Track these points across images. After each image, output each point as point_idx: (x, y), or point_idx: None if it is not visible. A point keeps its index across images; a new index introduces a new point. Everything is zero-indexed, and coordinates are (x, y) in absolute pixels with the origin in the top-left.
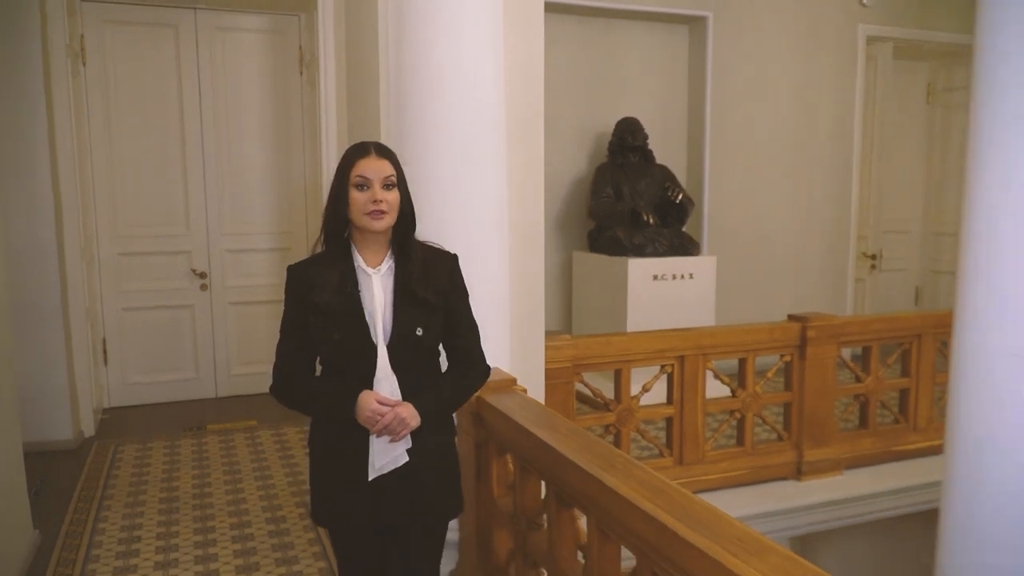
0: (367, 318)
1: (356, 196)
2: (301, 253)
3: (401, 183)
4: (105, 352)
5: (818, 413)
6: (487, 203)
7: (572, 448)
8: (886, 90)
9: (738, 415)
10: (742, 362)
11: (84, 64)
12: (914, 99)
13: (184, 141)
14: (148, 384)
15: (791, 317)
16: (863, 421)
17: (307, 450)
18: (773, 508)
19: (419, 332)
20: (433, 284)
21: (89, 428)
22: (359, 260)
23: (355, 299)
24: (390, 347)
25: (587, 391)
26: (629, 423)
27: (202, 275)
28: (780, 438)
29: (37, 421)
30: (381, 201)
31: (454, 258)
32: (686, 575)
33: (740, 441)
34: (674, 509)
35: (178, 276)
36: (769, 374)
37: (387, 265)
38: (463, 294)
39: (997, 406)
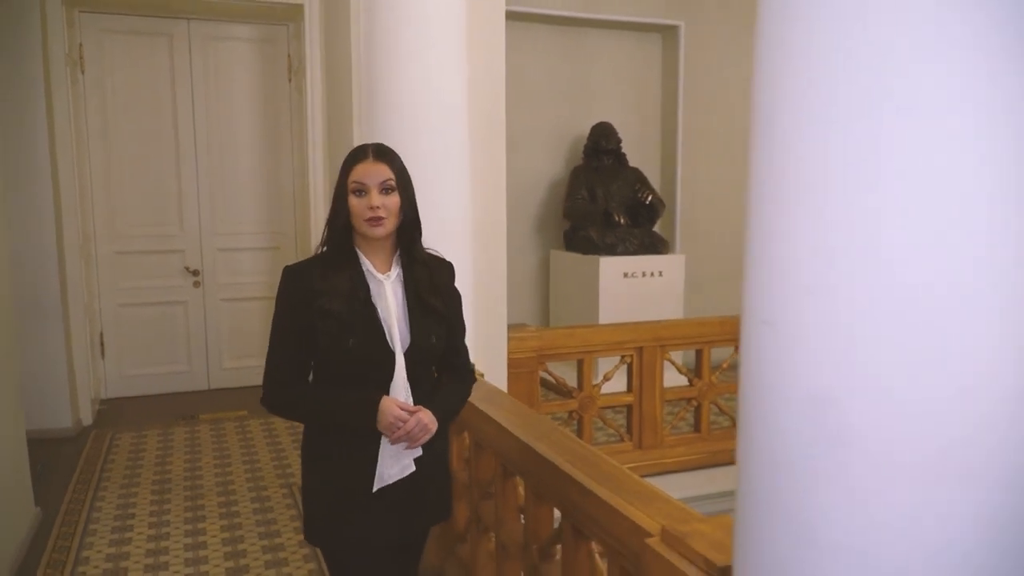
0: (383, 326)
1: (354, 202)
2: (290, 251)
3: (402, 186)
4: (103, 346)
5: None
6: (452, 203)
7: (515, 424)
8: None
9: (695, 403)
10: (699, 353)
11: (83, 72)
12: None
13: (178, 145)
14: (143, 376)
15: None
16: None
17: (299, 457)
18: (724, 489)
19: (434, 340)
20: (441, 292)
21: (87, 417)
22: (368, 265)
23: (368, 306)
24: (407, 355)
25: (552, 379)
26: (590, 410)
27: (195, 273)
28: (735, 424)
29: (38, 410)
30: (378, 207)
31: (452, 266)
32: (594, 522)
33: (697, 427)
34: (591, 471)
35: (172, 274)
36: (724, 365)
37: (396, 271)
38: (459, 302)
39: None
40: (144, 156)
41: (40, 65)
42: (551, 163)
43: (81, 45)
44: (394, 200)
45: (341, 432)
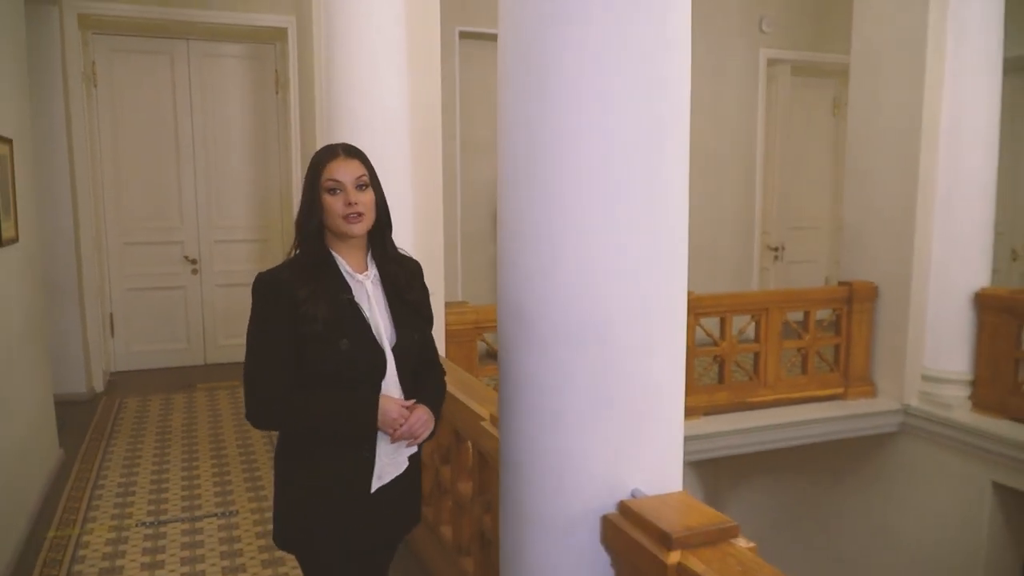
0: (372, 326)
1: (330, 201)
2: (276, 244)
3: (374, 183)
4: (112, 325)
5: None
6: (395, 197)
7: (460, 391)
8: (791, 105)
9: None
10: None
11: (95, 86)
12: (821, 112)
13: (178, 149)
14: (148, 352)
15: None
16: (720, 378)
17: (275, 471)
18: None
19: (416, 336)
20: (416, 289)
21: (99, 385)
22: (344, 266)
23: (354, 306)
24: (395, 352)
25: (487, 346)
26: None
27: (193, 261)
28: None
29: (57, 377)
30: (356, 203)
31: (418, 263)
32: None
33: None
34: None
35: (173, 262)
36: None
37: (372, 270)
38: (428, 297)
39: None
40: (148, 159)
41: (60, 80)
42: None
43: (94, 63)
44: (369, 196)
45: (330, 438)
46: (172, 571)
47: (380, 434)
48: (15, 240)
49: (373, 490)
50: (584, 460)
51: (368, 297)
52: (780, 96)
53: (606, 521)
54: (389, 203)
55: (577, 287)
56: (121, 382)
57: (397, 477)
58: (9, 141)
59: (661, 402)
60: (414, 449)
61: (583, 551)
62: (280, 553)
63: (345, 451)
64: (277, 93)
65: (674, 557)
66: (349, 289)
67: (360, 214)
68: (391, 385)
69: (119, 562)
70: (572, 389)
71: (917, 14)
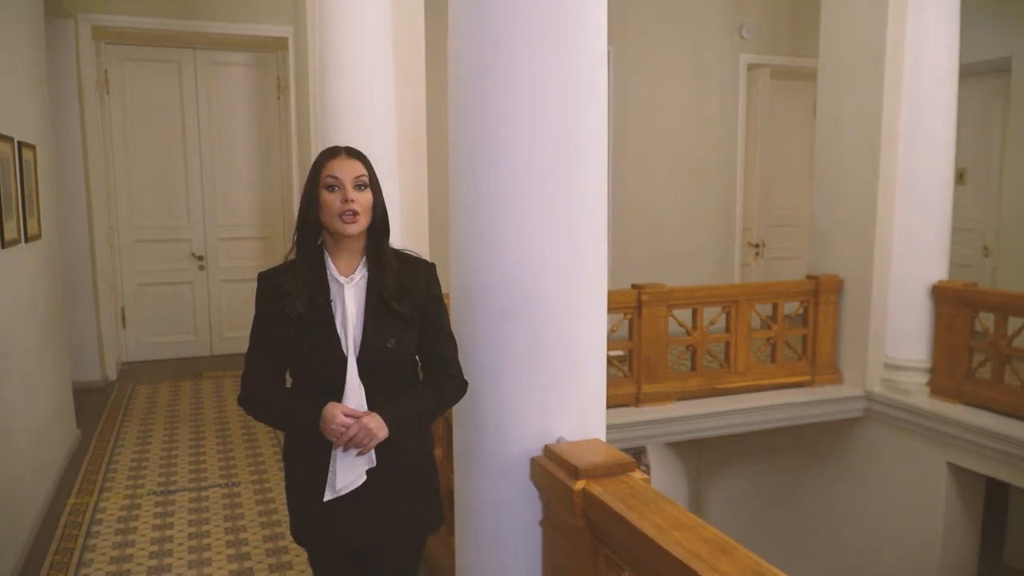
0: (338, 329)
1: (327, 198)
2: (278, 241)
3: (374, 185)
4: (124, 318)
5: (653, 358)
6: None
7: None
8: (771, 107)
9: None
10: None
11: (108, 92)
12: (801, 114)
13: (185, 152)
14: (157, 343)
15: (633, 286)
16: (693, 365)
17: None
18: (615, 423)
19: (391, 344)
20: (408, 296)
21: (112, 374)
22: (332, 269)
23: (327, 309)
24: (360, 359)
25: None
26: None
27: (200, 258)
28: (625, 375)
29: (73, 366)
30: (353, 201)
31: (431, 267)
32: None
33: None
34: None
35: (181, 258)
36: (614, 328)
37: (360, 274)
38: (439, 304)
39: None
40: (157, 161)
41: (75, 87)
42: None
43: (107, 71)
44: (367, 197)
45: (301, 438)
46: (180, 531)
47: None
48: (39, 237)
49: (325, 499)
50: (519, 413)
51: (344, 301)
52: (760, 99)
53: (534, 462)
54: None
55: (511, 272)
56: (132, 371)
57: (368, 487)
58: (33, 147)
59: (582, 365)
60: (372, 462)
61: (518, 487)
62: (277, 516)
63: (307, 457)
64: (279, 98)
65: (580, 484)
66: (329, 292)
67: (356, 213)
68: (352, 392)
69: (132, 524)
70: (508, 355)
71: (878, 27)
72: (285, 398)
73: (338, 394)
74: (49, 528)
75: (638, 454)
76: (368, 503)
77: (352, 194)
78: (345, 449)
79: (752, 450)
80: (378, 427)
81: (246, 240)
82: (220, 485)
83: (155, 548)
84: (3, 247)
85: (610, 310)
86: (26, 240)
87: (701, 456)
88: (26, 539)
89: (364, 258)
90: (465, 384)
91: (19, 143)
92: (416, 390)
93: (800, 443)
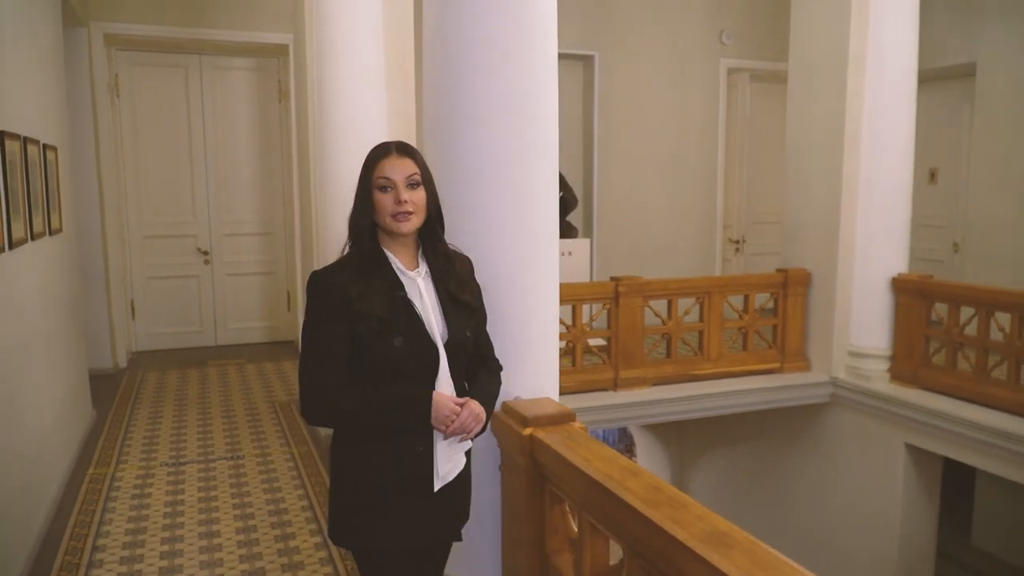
0: (425, 322)
1: (380, 198)
2: (280, 237)
3: (427, 181)
4: (133, 309)
5: (630, 345)
6: None
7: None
8: (751, 110)
9: (571, 344)
10: (573, 308)
11: (118, 96)
12: (781, 116)
13: (192, 152)
14: (165, 333)
15: (611, 278)
16: (668, 353)
17: (331, 466)
18: (594, 405)
19: (468, 333)
20: (468, 286)
21: (123, 362)
22: (396, 263)
23: (407, 303)
24: (448, 349)
25: None
26: None
27: (205, 253)
28: (603, 362)
29: (87, 354)
30: (406, 202)
31: (470, 260)
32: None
33: (573, 363)
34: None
35: (187, 253)
36: (594, 318)
37: (424, 267)
38: (481, 294)
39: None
40: (165, 160)
41: (88, 91)
42: None
43: (117, 75)
44: (420, 195)
45: (386, 434)
46: (191, 496)
47: (436, 431)
48: (60, 231)
49: (436, 488)
50: None
51: (420, 294)
52: (740, 102)
53: (494, 416)
54: None
55: (475, 253)
56: (142, 359)
57: (456, 476)
58: (55, 148)
59: (537, 335)
60: (468, 445)
61: (482, 438)
62: (280, 483)
63: (400, 447)
64: (280, 102)
65: (528, 431)
66: (402, 286)
67: (409, 213)
68: (443, 381)
69: (148, 491)
70: None
71: (841, 34)
72: (377, 394)
73: (429, 385)
74: (72, 494)
75: (629, 447)
76: (451, 491)
77: (405, 194)
78: (449, 436)
79: (730, 436)
80: (481, 411)
81: (249, 236)
82: (226, 458)
83: (168, 510)
84: (32, 239)
85: (589, 301)
86: (50, 233)
87: (684, 443)
88: (52, 501)
89: (421, 251)
90: (501, 367)
91: (44, 145)
92: (483, 376)
93: (773, 428)
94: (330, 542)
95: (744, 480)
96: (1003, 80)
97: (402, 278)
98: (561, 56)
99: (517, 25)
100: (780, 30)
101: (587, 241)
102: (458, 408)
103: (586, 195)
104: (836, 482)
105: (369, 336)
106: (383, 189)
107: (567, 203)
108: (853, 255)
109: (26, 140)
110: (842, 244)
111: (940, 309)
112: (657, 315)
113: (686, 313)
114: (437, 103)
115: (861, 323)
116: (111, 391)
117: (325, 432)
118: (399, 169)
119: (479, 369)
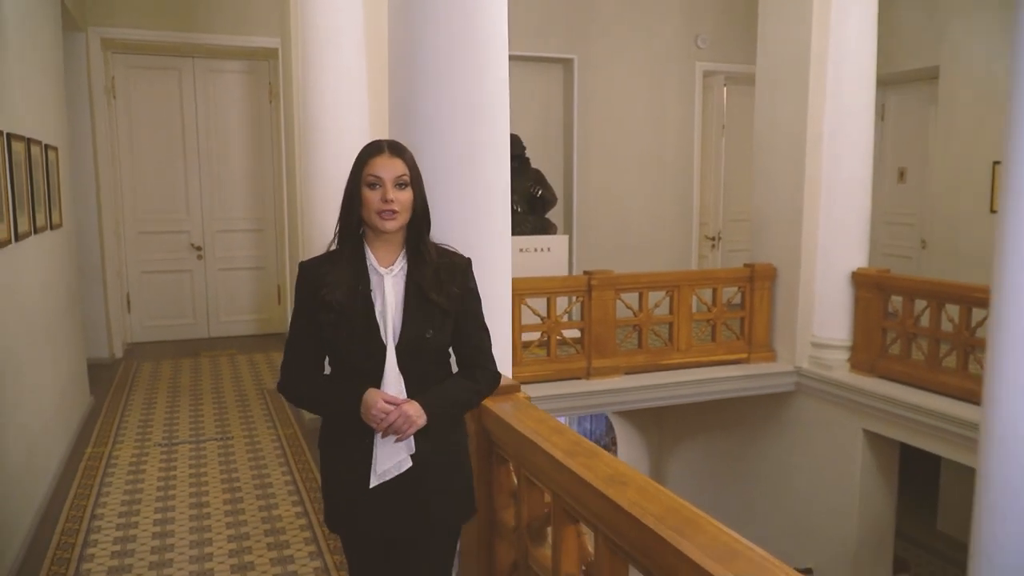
0: (377, 318)
1: (368, 195)
2: (270, 233)
3: (415, 182)
4: (129, 302)
5: (602, 336)
6: None
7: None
8: (726, 111)
9: (546, 335)
10: (548, 300)
11: (115, 97)
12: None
13: (185, 151)
14: (159, 326)
15: (584, 272)
16: (639, 343)
17: (318, 451)
18: (568, 392)
19: (428, 335)
20: (446, 288)
21: (119, 352)
22: (372, 259)
23: (367, 298)
24: (399, 349)
25: None
26: None
27: (198, 248)
28: (577, 351)
29: (85, 344)
30: (392, 201)
31: (468, 262)
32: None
33: (548, 352)
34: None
35: (181, 248)
36: (567, 310)
37: (400, 266)
38: (475, 298)
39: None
40: (160, 159)
41: (86, 93)
42: None
43: (113, 78)
44: (407, 195)
45: (343, 425)
46: (183, 472)
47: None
48: (60, 226)
49: (372, 485)
50: None
51: (384, 291)
52: (715, 103)
53: None
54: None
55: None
56: (137, 350)
57: (406, 475)
58: (56, 148)
59: (492, 316)
60: (412, 448)
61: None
62: (266, 460)
63: (351, 443)
64: (270, 103)
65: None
66: (368, 281)
67: (394, 212)
68: (390, 380)
69: (142, 467)
70: None
71: (804, 39)
72: (326, 384)
73: (376, 382)
74: (71, 471)
75: (608, 445)
76: (403, 492)
77: (392, 193)
78: (384, 435)
79: (706, 425)
80: (417, 414)
81: (241, 232)
82: (216, 439)
83: (161, 485)
84: (35, 232)
85: (564, 294)
86: (51, 228)
87: (662, 432)
88: (53, 476)
89: (404, 250)
90: (499, 376)
91: (46, 146)
92: (452, 380)
93: (745, 416)
94: (311, 515)
95: (719, 466)
96: (963, 83)
97: (372, 274)
98: (541, 59)
99: (469, 32)
100: (753, 35)
101: (565, 238)
102: (389, 408)
103: (566, 193)
104: (800, 466)
105: (328, 327)
106: (372, 186)
107: (547, 201)
108: (816, 251)
109: (30, 141)
110: (805, 240)
111: (896, 302)
112: (628, 307)
113: (656, 306)
114: (398, 106)
115: (823, 315)
116: (107, 379)
117: (309, 416)
118: (389, 168)
119: (458, 374)
